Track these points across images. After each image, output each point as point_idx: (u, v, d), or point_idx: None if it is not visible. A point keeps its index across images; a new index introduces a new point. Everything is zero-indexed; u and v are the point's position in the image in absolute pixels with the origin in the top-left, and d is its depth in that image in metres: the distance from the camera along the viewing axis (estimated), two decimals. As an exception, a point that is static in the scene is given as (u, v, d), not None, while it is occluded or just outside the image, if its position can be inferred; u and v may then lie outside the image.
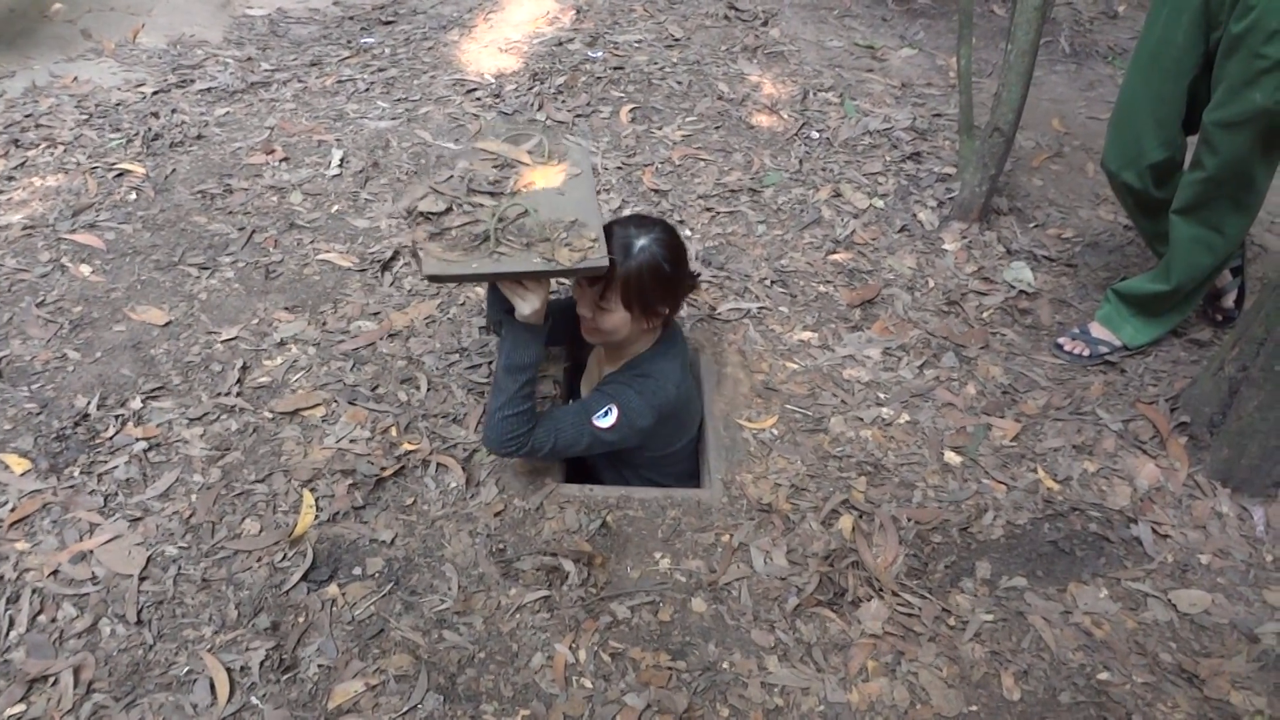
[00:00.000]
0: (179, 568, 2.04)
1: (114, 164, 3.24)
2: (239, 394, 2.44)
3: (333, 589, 2.03)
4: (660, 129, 3.61)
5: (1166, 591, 2.11)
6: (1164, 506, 2.29)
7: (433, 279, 1.97)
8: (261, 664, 1.87)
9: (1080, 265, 3.06)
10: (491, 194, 2.12)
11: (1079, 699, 1.90)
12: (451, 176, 2.18)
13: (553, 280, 2.14)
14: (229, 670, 1.86)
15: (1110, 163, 2.57)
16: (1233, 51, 2.20)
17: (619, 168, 3.37)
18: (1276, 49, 2.10)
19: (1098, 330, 2.71)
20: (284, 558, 2.08)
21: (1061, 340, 2.73)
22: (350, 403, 2.43)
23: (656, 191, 3.27)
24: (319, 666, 1.89)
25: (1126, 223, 3.21)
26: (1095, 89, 4.15)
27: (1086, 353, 2.68)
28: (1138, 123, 2.46)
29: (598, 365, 2.42)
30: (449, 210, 2.07)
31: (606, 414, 2.16)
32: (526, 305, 1.99)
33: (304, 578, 2.04)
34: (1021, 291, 2.94)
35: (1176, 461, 2.39)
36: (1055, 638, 2.01)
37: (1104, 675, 1.95)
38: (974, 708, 1.89)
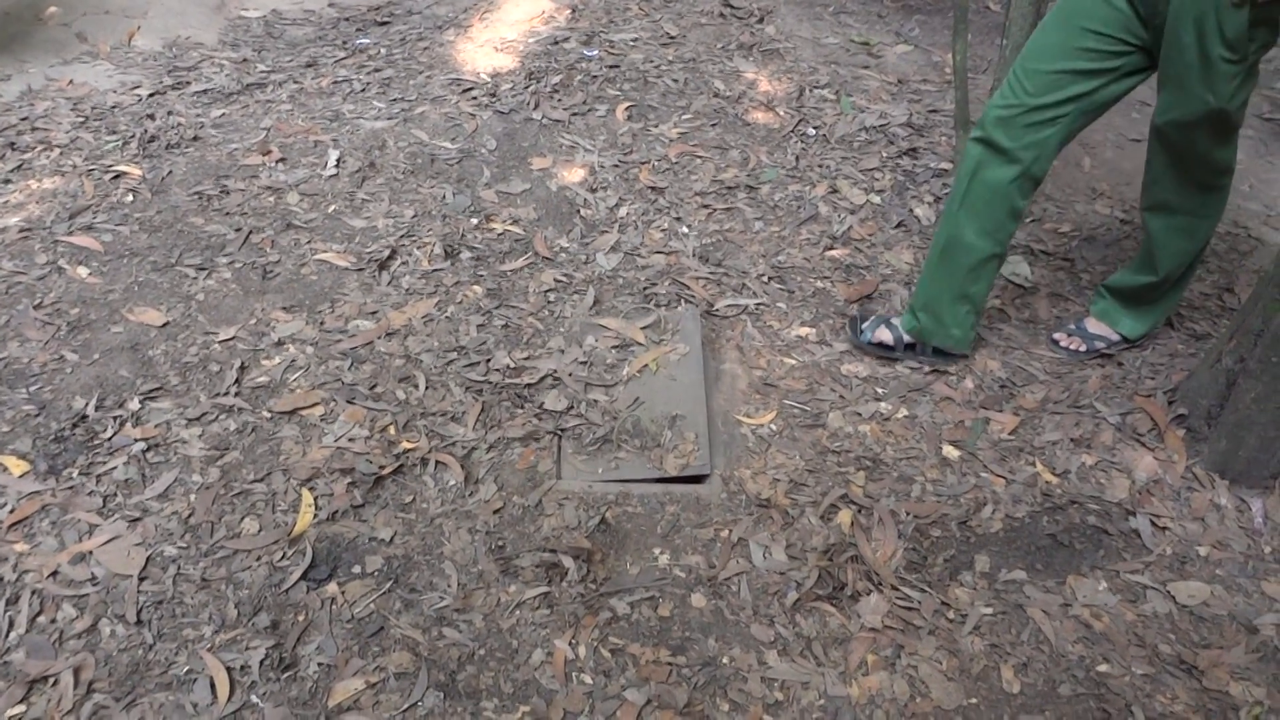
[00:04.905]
0: (178, 567, 2.04)
1: (110, 166, 3.23)
2: (237, 394, 2.44)
3: (332, 587, 2.03)
4: (656, 127, 3.61)
5: (1165, 583, 2.11)
6: (1162, 499, 2.29)
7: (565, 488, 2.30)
8: (261, 663, 1.87)
9: (1077, 259, 3.06)
10: (606, 388, 2.49)
11: (1079, 691, 1.91)
12: (574, 361, 2.55)
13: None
14: (229, 669, 1.86)
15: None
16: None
17: (615, 166, 3.37)
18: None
19: (1094, 326, 2.70)
20: (283, 557, 2.08)
21: (1057, 336, 2.73)
22: (349, 402, 2.43)
23: (654, 189, 3.27)
24: (319, 665, 1.89)
25: (1123, 217, 3.21)
26: (1091, 84, 4.15)
27: (1083, 348, 2.68)
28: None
29: None
30: (570, 408, 2.44)
31: None
32: None
33: (303, 576, 2.04)
34: (1019, 286, 2.94)
35: (1174, 454, 2.39)
36: (1055, 630, 2.01)
37: (1103, 667, 1.95)
38: (974, 700, 1.89)
